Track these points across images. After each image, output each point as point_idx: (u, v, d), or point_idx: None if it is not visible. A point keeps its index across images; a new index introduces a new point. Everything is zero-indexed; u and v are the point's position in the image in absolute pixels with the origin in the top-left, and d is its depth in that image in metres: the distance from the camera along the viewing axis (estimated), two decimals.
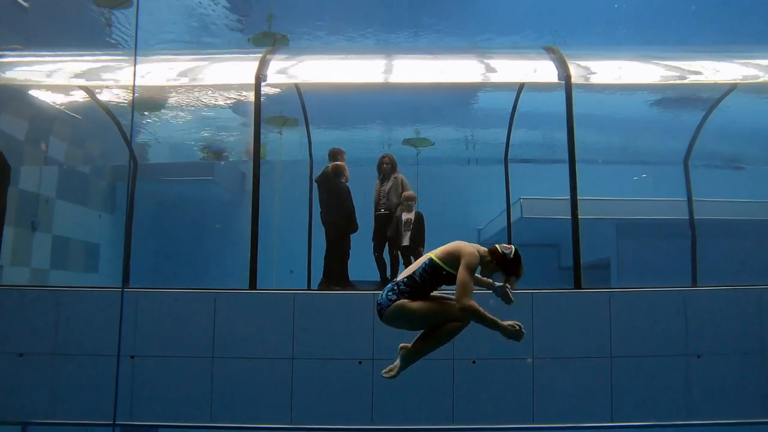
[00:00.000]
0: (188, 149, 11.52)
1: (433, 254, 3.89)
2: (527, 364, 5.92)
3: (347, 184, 7.76)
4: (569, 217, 6.58)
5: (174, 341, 6.12)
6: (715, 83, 7.42)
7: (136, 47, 5.71)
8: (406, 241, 7.89)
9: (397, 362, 4.10)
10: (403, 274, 3.93)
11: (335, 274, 7.46)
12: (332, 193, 7.62)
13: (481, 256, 3.88)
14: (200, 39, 10.45)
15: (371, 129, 11.30)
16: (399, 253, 7.95)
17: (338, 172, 7.66)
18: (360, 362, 6.09)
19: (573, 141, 6.55)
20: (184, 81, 7.53)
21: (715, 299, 6.29)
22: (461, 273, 3.73)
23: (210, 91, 8.76)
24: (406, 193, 8.03)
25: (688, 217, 8.41)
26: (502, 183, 9.52)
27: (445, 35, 10.80)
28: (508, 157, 9.49)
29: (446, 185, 12.77)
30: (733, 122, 9.14)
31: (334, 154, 7.90)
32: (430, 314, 3.82)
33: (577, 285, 6.37)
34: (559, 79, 6.65)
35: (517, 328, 3.75)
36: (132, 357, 6.01)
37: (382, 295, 3.87)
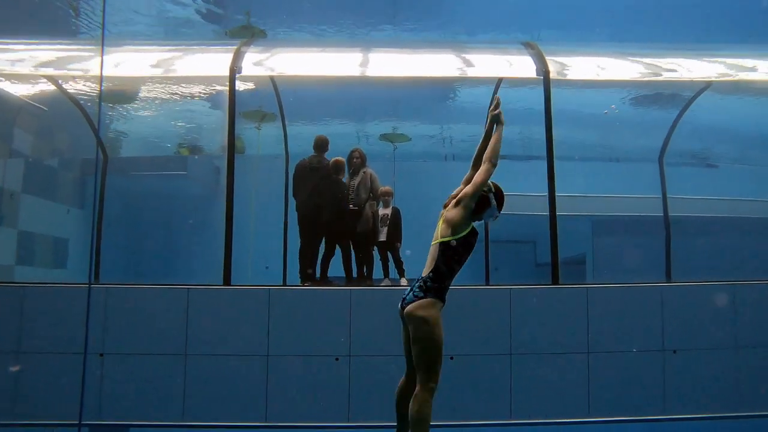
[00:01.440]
0: (161, 143, 11.28)
1: (437, 240, 3.79)
2: None
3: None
4: (545, 214, 6.59)
5: (145, 338, 5.96)
6: (691, 81, 7.51)
7: (103, 35, 5.52)
8: (382, 237, 7.81)
9: None
10: (425, 270, 3.80)
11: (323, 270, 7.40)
12: (329, 188, 7.45)
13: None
14: (175, 31, 10.20)
15: (348, 124, 11.22)
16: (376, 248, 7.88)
17: (339, 168, 7.51)
18: (337, 359, 6.03)
19: (551, 136, 6.56)
20: (157, 72, 7.32)
21: (690, 295, 6.36)
22: (462, 208, 3.73)
23: (184, 84, 8.56)
24: (383, 189, 7.93)
25: (662, 214, 8.51)
26: None
27: (423, 30, 10.75)
28: None
29: (423, 181, 12.74)
30: (707, 121, 9.29)
31: (324, 143, 7.70)
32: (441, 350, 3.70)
33: (555, 280, 6.38)
34: (537, 75, 6.65)
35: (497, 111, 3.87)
36: (101, 354, 5.83)
37: (407, 293, 3.77)
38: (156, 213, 11.46)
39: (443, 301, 3.72)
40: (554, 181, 6.56)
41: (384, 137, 11.40)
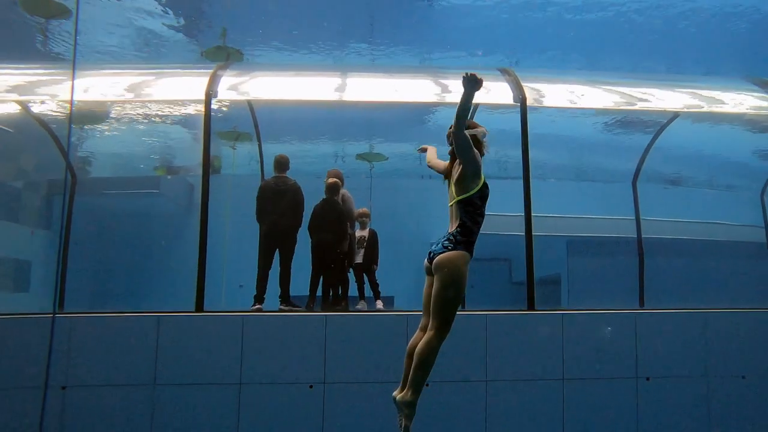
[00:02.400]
0: (134, 163, 11.05)
1: (454, 199, 3.86)
2: None
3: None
4: (521, 234, 6.62)
5: (112, 368, 5.75)
6: (664, 111, 7.66)
7: (74, 58, 5.37)
8: (359, 259, 7.75)
9: (401, 418, 3.86)
10: (450, 227, 3.86)
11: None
12: (327, 211, 7.39)
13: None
14: (149, 53, 10.00)
15: (325, 143, 11.17)
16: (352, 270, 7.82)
17: (335, 189, 7.43)
18: (311, 387, 5.91)
19: (527, 161, 6.61)
20: (130, 97, 7.16)
21: (662, 322, 6.43)
22: (461, 173, 3.79)
23: (158, 105, 8.39)
24: (359, 210, 7.89)
25: (636, 237, 8.63)
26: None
27: (400, 52, 10.78)
28: None
29: (399, 199, 12.75)
30: (678, 146, 9.48)
31: (286, 162, 7.60)
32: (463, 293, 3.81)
33: (531, 306, 6.39)
34: (514, 102, 6.71)
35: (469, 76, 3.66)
36: (63, 388, 5.60)
37: (436, 245, 3.83)
38: (128, 233, 11.19)
39: (471, 254, 3.83)
40: (530, 206, 6.59)
41: (361, 157, 11.38)
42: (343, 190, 7.70)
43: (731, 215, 11.00)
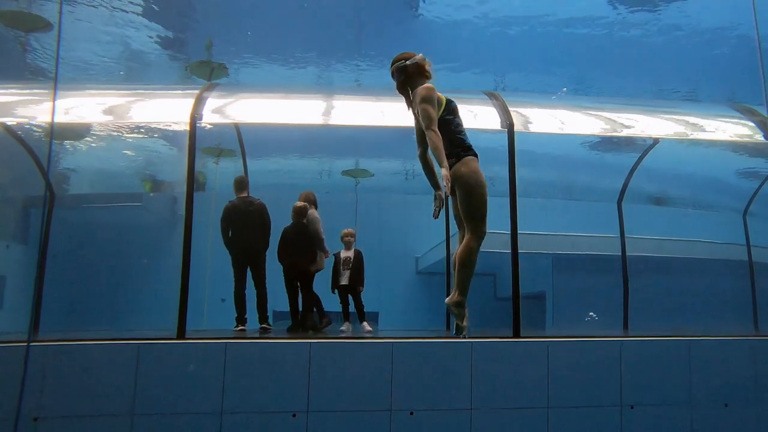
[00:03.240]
0: (116, 177, 10.86)
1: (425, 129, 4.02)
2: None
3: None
4: (507, 251, 6.59)
5: (88, 398, 5.57)
6: (649, 137, 7.72)
7: (56, 76, 5.22)
8: (344, 281, 7.69)
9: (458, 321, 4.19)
10: (446, 150, 4.03)
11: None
12: (297, 234, 7.42)
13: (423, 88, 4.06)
14: (133, 67, 9.81)
15: (310, 160, 11.09)
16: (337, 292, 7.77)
17: (301, 213, 7.42)
18: (294, 415, 5.80)
19: (514, 188, 6.59)
20: (114, 119, 7.00)
21: (647, 349, 6.42)
22: (421, 107, 3.98)
23: (143, 124, 8.25)
24: (344, 231, 7.83)
25: (621, 256, 8.67)
26: (442, 215, 9.49)
27: (386, 68, 10.73)
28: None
29: (384, 214, 12.73)
30: (660, 166, 9.57)
31: (246, 183, 7.66)
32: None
33: (516, 333, 6.36)
34: (501, 127, 6.72)
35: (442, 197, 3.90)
36: (35, 419, 5.41)
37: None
38: (110, 245, 10.98)
39: (476, 155, 4.09)
40: (516, 232, 6.57)
41: (346, 173, 11.33)
42: (310, 211, 7.65)
43: (714, 234, 11.11)
